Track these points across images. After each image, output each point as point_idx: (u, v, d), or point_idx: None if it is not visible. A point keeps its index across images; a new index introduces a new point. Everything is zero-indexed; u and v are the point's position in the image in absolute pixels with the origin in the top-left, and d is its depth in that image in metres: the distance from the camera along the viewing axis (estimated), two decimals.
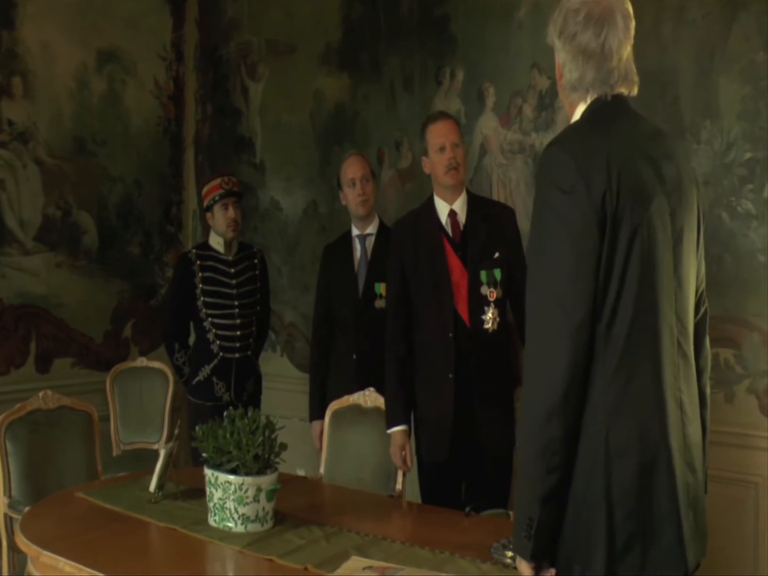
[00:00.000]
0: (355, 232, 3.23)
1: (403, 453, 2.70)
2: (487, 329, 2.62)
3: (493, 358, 2.65)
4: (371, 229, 3.21)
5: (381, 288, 3.09)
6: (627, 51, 1.54)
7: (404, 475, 2.79)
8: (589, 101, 1.56)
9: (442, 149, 2.67)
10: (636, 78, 1.58)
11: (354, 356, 3.11)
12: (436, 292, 2.68)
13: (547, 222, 1.45)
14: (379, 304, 3.11)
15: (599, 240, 1.42)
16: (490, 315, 2.62)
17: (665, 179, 1.52)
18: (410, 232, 2.77)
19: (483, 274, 2.64)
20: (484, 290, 2.64)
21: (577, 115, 1.59)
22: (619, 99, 1.56)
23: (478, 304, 2.63)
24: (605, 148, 1.46)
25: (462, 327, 2.64)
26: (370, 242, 3.20)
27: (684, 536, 1.45)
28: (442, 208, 2.73)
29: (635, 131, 1.54)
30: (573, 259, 1.41)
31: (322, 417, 3.05)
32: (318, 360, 3.26)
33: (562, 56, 1.56)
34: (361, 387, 2.95)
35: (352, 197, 3.15)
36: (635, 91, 1.58)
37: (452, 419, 2.60)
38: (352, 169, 3.16)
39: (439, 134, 2.68)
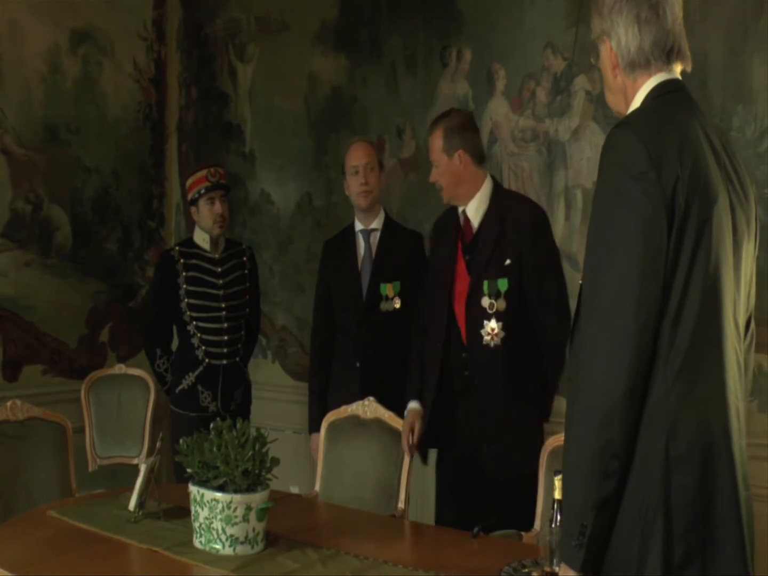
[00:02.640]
0: (358, 226, 3.20)
1: (410, 434, 2.72)
2: (487, 344, 2.61)
3: (497, 376, 2.61)
4: (376, 223, 3.19)
5: (387, 289, 3.09)
6: (680, 14, 1.61)
7: (407, 493, 2.79)
8: (652, 83, 1.59)
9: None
10: (689, 53, 1.63)
11: (357, 364, 3.11)
12: (436, 300, 2.71)
13: (614, 208, 1.47)
14: (385, 307, 3.10)
15: (667, 231, 1.45)
16: (489, 329, 2.61)
17: (730, 177, 1.56)
18: (440, 231, 2.85)
19: (485, 284, 2.63)
20: (485, 302, 2.63)
21: (637, 101, 1.61)
22: (679, 85, 1.61)
23: (477, 316, 2.63)
24: (677, 138, 1.50)
25: (457, 339, 2.65)
26: (375, 238, 3.18)
27: (746, 552, 1.47)
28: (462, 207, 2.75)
29: (701, 122, 1.58)
30: (642, 247, 1.43)
31: (318, 431, 3.05)
32: (317, 368, 3.25)
33: (614, 36, 1.60)
34: (365, 397, 2.94)
35: (353, 187, 3.13)
36: (690, 67, 1.64)
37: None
38: (355, 156, 3.13)
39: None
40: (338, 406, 2.99)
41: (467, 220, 2.72)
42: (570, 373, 1.57)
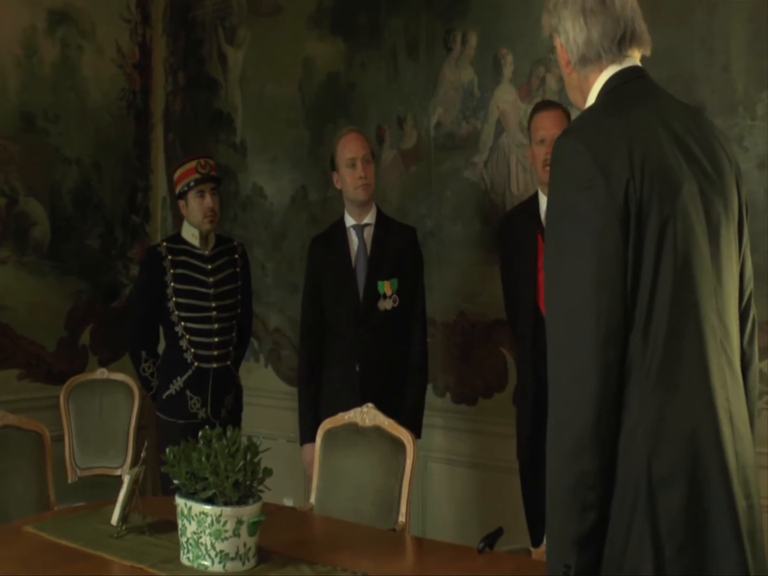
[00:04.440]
0: (350, 222, 3.22)
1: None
2: None
3: None
4: (369, 218, 3.21)
5: (385, 287, 3.10)
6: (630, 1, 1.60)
7: (409, 505, 2.79)
8: (604, 78, 1.60)
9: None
10: (647, 36, 1.63)
11: (357, 367, 3.10)
12: (520, 298, 2.92)
13: (564, 224, 1.47)
14: (384, 305, 3.11)
15: (623, 239, 1.43)
16: None
17: (697, 160, 1.54)
18: (516, 224, 2.99)
19: None
20: None
21: (591, 98, 1.62)
22: (636, 72, 1.61)
23: None
24: (625, 131, 1.49)
25: (540, 322, 2.72)
26: (369, 234, 3.20)
27: (748, 567, 1.45)
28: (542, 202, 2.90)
29: (659, 109, 1.57)
30: (595, 263, 1.42)
31: (314, 439, 3.05)
32: (307, 374, 3.25)
33: (562, 32, 1.61)
34: (365, 402, 2.94)
35: (351, 180, 3.13)
36: (649, 51, 1.64)
37: None
38: (351, 147, 3.14)
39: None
40: (335, 414, 2.98)
41: None
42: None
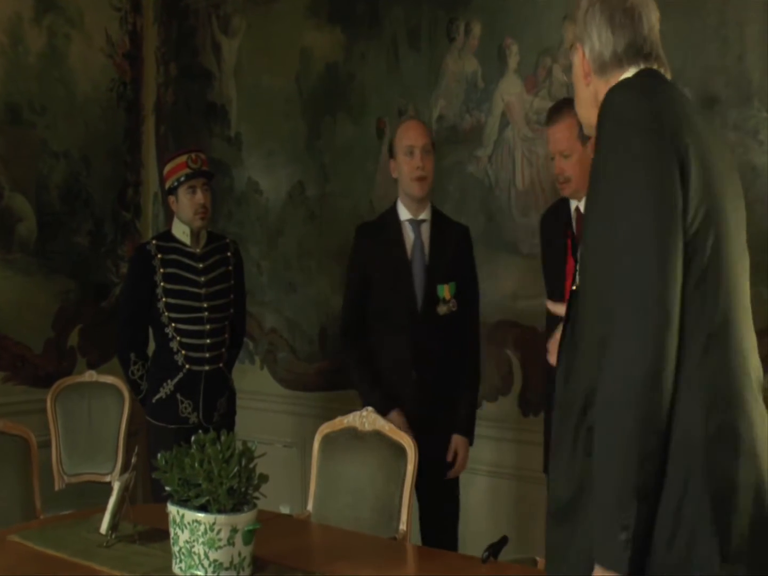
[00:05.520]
0: (405, 215, 3.09)
1: None
2: None
3: None
4: (425, 214, 3.10)
5: (444, 291, 3.02)
6: (656, 24, 1.68)
7: (410, 513, 2.79)
8: (626, 75, 1.66)
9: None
10: (668, 64, 1.71)
11: (414, 374, 3.02)
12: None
13: (623, 167, 1.50)
14: (443, 310, 3.02)
15: (681, 182, 1.49)
16: None
17: (718, 147, 1.64)
18: (549, 227, 2.96)
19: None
20: None
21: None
22: (656, 72, 1.67)
23: None
24: (665, 90, 1.61)
25: None
26: (426, 231, 3.09)
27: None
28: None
29: (684, 101, 1.66)
30: (659, 202, 1.47)
31: (396, 406, 2.97)
32: (354, 339, 3.14)
33: (587, 40, 1.68)
34: (423, 411, 2.95)
35: (408, 169, 3.02)
36: (669, 76, 1.70)
37: None
38: (411, 135, 3.04)
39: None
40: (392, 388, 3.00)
41: (581, 216, 2.73)
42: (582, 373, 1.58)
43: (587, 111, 1.73)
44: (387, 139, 3.88)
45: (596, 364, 1.50)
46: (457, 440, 3.05)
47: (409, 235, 3.09)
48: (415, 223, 3.09)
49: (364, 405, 2.98)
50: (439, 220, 3.13)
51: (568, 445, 1.58)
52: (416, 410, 2.97)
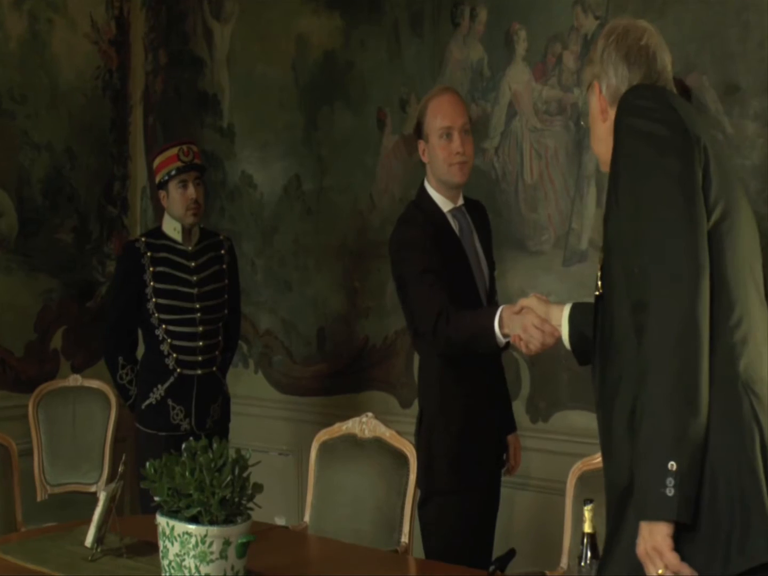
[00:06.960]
0: (446, 205, 2.82)
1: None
2: None
3: None
4: (461, 199, 2.86)
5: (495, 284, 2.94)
6: (669, 66, 1.85)
7: (412, 524, 2.79)
8: None
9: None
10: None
11: (487, 379, 2.84)
12: None
13: (648, 158, 1.63)
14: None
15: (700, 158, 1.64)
16: None
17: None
18: None
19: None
20: None
21: None
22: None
23: None
24: (682, 104, 1.76)
25: None
26: (468, 219, 2.87)
27: None
28: None
29: (692, 107, 1.88)
30: (685, 182, 1.60)
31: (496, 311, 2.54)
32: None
33: (604, 78, 1.84)
34: (496, 414, 2.85)
35: (445, 155, 2.74)
36: None
37: None
38: (447, 113, 2.74)
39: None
40: (472, 444, 2.74)
41: None
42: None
43: (605, 147, 1.81)
44: (387, 131, 3.90)
45: (634, 351, 1.61)
46: (512, 439, 2.97)
47: (455, 225, 2.84)
48: (459, 212, 2.85)
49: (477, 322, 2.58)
50: (469, 202, 2.91)
51: (618, 435, 1.68)
52: (494, 417, 2.84)
